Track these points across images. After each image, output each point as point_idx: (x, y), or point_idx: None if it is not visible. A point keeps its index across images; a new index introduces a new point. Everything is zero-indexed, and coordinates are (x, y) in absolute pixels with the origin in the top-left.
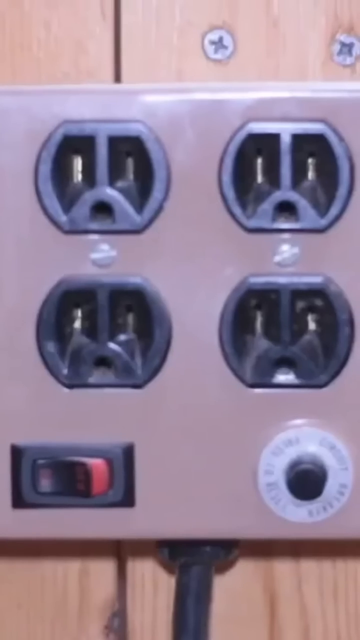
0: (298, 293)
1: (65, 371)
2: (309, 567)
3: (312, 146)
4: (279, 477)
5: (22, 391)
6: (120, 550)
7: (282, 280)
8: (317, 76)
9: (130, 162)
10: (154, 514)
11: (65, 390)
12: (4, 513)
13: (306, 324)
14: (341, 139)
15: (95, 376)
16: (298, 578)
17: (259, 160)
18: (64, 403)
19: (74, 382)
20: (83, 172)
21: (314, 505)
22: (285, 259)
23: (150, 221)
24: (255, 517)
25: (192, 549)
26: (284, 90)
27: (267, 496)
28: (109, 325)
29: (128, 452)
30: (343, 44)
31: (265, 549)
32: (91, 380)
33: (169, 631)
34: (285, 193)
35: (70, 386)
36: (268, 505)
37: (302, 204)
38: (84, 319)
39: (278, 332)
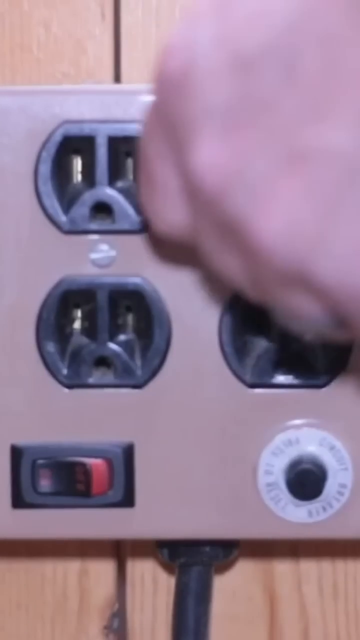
0: None
1: (65, 371)
2: (309, 567)
3: None
4: (279, 477)
5: (22, 391)
6: (120, 550)
7: None
8: None
9: (130, 162)
10: (154, 514)
11: (65, 390)
12: (4, 513)
13: None
14: None
15: (95, 376)
16: (298, 578)
17: None
18: (64, 403)
19: (74, 382)
20: (83, 172)
21: (314, 505)
22: None
23: None
24: (255, 517)
25: (191, 549)
26: None
27: (267, 496)
28: (108, 325)
29: (128, 452)
30: None
31: (265, 549)
32: (91, 380)
33: (169, 631)
34: None
35: (70, 386)
36: (268, 505)
37: None
38: (83, 319)
39: (278, 333)
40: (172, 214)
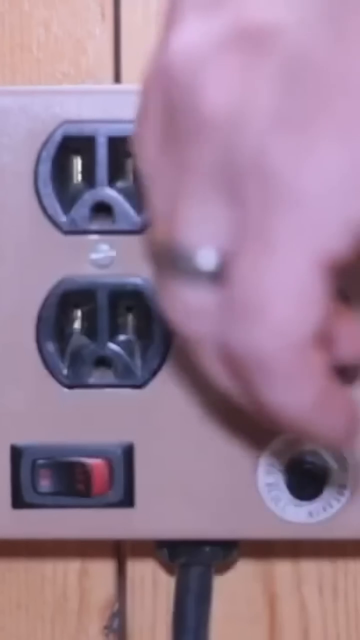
0: None
1: (65, 371)
2: (309, 567)
3: None
4: (279, 477)
5: (22, 391)
6: (120, 550)
7: None
8: None
9: (130, 163)
10: (154, 514)
11: (65, 390)
12: (4, 513)
13: None
14: None
15: (95, 376)
16: (298, 578)
17: None
18: (64, 403)
19: (74, 382)
20: (83, 173)
21: (314, 505)
22: None
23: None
24: (255, 517)
25: (191, 549)
26: None
27: (267, 496)
28: (108, 325)
29: (128, 452)
30: None
31: (265, 549)
32: (91, 380)
33: (169, 631)
34: None
35: (70, 386)
36: (268, 506)
37: None
38: (83, 319)
39: None
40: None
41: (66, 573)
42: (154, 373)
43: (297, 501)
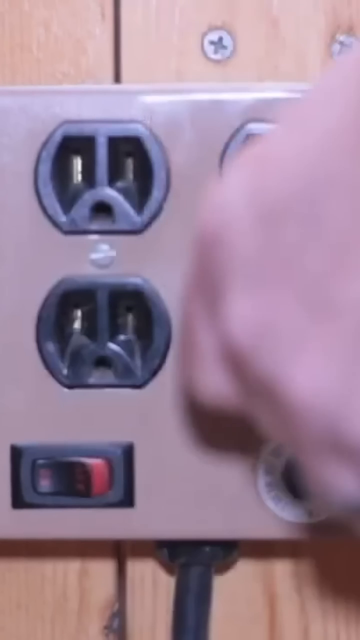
0: None
1: (65, 371)
2: (309, 567)
3: None
4: (279, 477)
5: (22, 391)
6: (120, 550)
7: None
8: (317, 76)
9: (130, 162)
10: (154, 514)
11: (65, 390)
12: (4, 513)
13: None
14: None
15: (95, 376)
16: (298, 578)
17: None
18: (64, 403)
19: (74, 382)
20: (83, 173)
21: (314, 505)
22: None
23: (150, 221)
24: (255, 517)
25: (191, 549)
26: (283, 91)
27: (267, 496)
28: (108, 325)
29: (128, 452)
30: (343, 44)
31: (265, 549)
32: (91, 380)
33: (169, 631)
34: None
35: (70, 386)
36: (268, 506)
37: None
38: (83, 319)
39: None
40: (213, 380)
41: (66, 573)
42: (154, 373)
43: (297, 501)
